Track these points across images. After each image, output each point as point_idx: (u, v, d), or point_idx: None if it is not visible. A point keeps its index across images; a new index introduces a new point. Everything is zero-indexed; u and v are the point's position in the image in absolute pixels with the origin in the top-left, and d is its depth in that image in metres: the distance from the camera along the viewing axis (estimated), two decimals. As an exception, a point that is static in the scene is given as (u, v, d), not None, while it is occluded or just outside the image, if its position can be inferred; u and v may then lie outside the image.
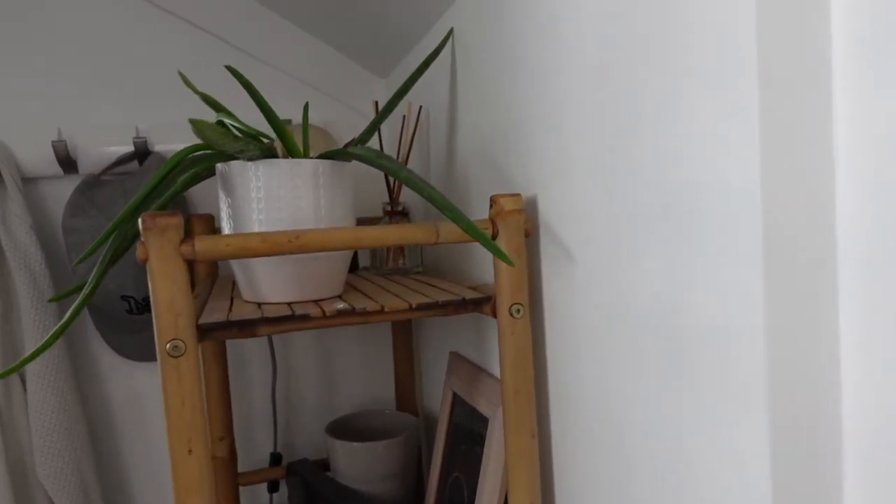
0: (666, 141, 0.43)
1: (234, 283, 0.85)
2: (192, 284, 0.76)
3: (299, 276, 0.64)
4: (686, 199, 0.41)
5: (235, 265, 0.66)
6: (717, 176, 0.38)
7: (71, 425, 0.97)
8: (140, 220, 0.50)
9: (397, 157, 0.93)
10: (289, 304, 0.64)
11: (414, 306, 0.61)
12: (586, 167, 0.53)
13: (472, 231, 0.53)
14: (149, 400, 1.11)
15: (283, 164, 0.63)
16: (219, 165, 0.65)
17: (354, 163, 0.68)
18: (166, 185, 0.61)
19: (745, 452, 0.38)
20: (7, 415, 0.96)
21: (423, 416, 1.15)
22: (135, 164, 1.03)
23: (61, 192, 1.04)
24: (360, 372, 1.22)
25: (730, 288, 0.38)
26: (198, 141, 0.62)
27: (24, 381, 0.97)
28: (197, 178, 0.63)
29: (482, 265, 0.77)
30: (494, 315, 0.61)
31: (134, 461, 1.12)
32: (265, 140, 0.66)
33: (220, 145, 0.60)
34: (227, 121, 0.65)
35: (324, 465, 1.04)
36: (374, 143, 1.11)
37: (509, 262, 0.55)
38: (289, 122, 1.06)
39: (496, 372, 0.75)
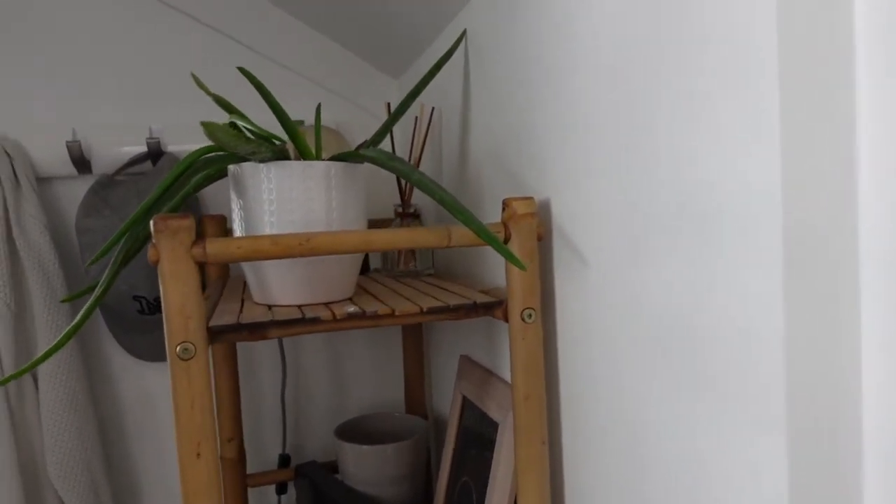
0: (682, 140, 0.42)
1: (245, 284, 0.85)
2: (204, 285, 0.76)
3: (310, 279, 0.64)
4: (703, 200, 0.40)
5: (246, 267, 0.66)
6: (736, 176, 0.37)
7: (82, 425, 0.98)
8: (151, 223, 0.50)
9: (409, 159, 0.92)
10: (299, 306, 0.63)
11: (425, 310, 0.60)
12: (601, 167, 0.52)
13: (483, 235, 0.52)
14: (160, 400, 1.12)
15: (294, 166, 0.62)
16: (231, 167, 0.65)
17: (366, 164, 0.68)
18: (179, 186, 0.61)
19: (762, 455, 0.37)
20: (19, 414, 0.97)
21: (433, 420, 1.15)
22: (148, 164, 1.04)
23: (75, 192, 1.05)
24: (369, 374, 1.22)
25: (749, 289, 0.37)
26: (210, 142, 0.62)
27: (36, 381, 0.97)
28: (209, 180, 0.63)
29: (494, 269, 0.76)
30: (506, 319, 0.60)
31: (144, 462, 1.12)
32: (277, 142, 0.65)
33: (231, 147, 0.60)
34: (240, 122, 0.65)
35: (332, 467, 1.04)
36: (386, 144, 1.11)
37: (521, 267, 0.54)
38: (301, 123, 1.06)
39: (507, 376, 0.74)
